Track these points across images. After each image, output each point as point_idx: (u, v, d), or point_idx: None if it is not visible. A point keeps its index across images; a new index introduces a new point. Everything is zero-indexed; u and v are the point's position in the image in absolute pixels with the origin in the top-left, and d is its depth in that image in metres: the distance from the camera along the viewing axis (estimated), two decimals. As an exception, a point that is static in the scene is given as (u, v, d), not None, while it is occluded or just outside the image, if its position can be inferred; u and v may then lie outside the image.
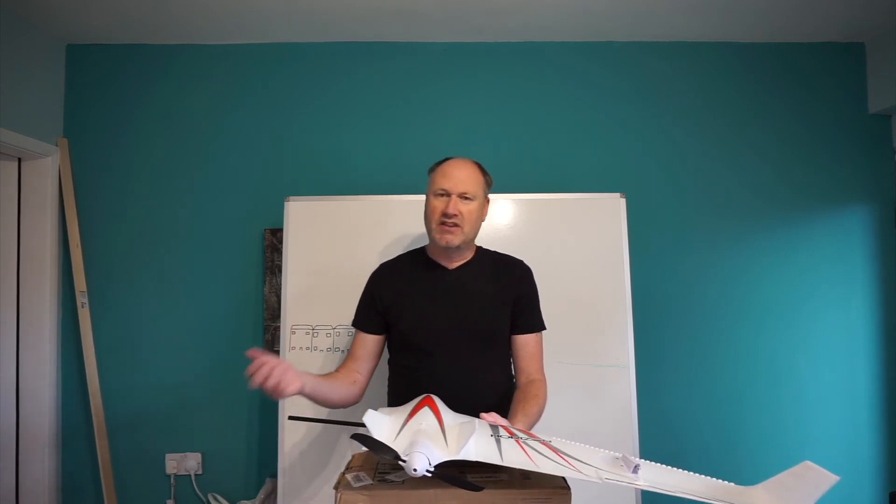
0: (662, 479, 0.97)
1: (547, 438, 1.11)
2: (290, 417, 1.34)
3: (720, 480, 0.94)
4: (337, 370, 1.56)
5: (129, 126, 2.50)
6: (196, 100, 2.51)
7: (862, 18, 2.33)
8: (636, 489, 1.99)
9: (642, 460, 1.00)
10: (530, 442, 1.09)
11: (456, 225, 1.47)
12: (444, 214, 1.46)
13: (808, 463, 0.89)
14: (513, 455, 1.04)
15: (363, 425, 1.10)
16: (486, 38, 2.50)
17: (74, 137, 2.48)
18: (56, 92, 2.47)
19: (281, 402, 2.06)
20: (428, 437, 1.05)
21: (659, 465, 1.01)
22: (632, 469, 0.98)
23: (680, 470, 0.99)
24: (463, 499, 1.05)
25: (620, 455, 1.03)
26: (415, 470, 0.97)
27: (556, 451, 1.06)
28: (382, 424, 1.10)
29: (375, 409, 1.14)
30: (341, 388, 1.48)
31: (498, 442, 1.08)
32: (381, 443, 1.04)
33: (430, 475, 0.98)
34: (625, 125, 2.51)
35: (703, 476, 0.97)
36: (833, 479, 0.86)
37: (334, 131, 2.51)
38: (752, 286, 2.47)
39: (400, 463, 1.01)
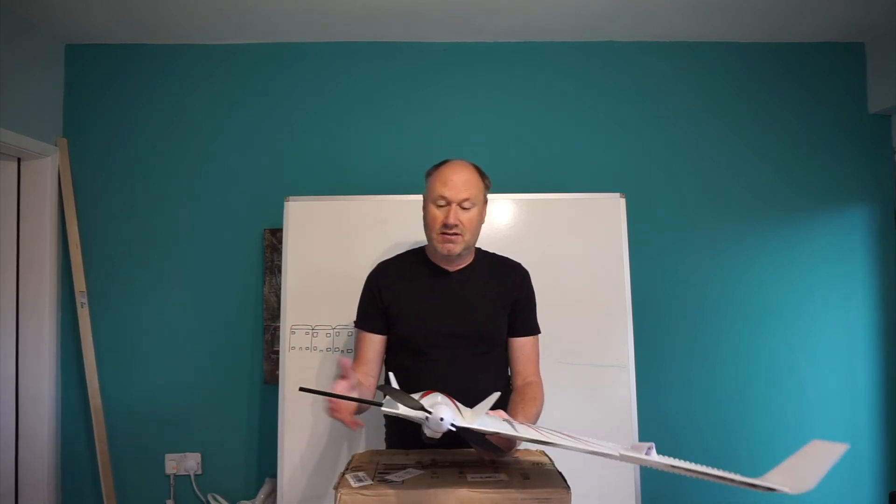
0: (676, 462, 0.98)
1: (555, 429, 1.14)
2: (301, 389, 1.32)
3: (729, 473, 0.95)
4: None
5: (128, 126, 2.50)
6: (196, 100, 2.51)
7: (862, 18, 2.33)
8: (635, 486, 2.03)
9: (654, 449, 1.02)
10: (541, 427, 1.14)
11: (457, 234, 1.46)
12: (445, 225, 1.45)
13: (817, 441, 0.89)
14: (526, 431, 1.08)
15: (376, 403, 1.09)
16: (486, 38, 2.50)
17: (74, 137, 2.48)
18: (55, 92, 2.47)
19: (280, 402, 2.07)
20: (445, 405, 1.06)
21: (668, 457, 1.02)
22: (645, 452, 1.00)
23: (689, 463, 0.99)
24: (462, 498, 1.05)
25: (630, 446, 1.04)
26: (441, 419, 0.99)
27: (567, 435, 1.09)
28: (398, 397, 1.09)
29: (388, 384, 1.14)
30: (366, 395, 1.46)
31: (510, 423, 1.12)
32: (405, 394, 1.04)
33: (454, 430, 1.01)
34: (625, 125, 2.51)
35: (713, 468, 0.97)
36: (842, 447, 0.87)
37: (334, 131, 2.51)
38: (752, 286, 2.47)
39: (425, 418, 1.02)
